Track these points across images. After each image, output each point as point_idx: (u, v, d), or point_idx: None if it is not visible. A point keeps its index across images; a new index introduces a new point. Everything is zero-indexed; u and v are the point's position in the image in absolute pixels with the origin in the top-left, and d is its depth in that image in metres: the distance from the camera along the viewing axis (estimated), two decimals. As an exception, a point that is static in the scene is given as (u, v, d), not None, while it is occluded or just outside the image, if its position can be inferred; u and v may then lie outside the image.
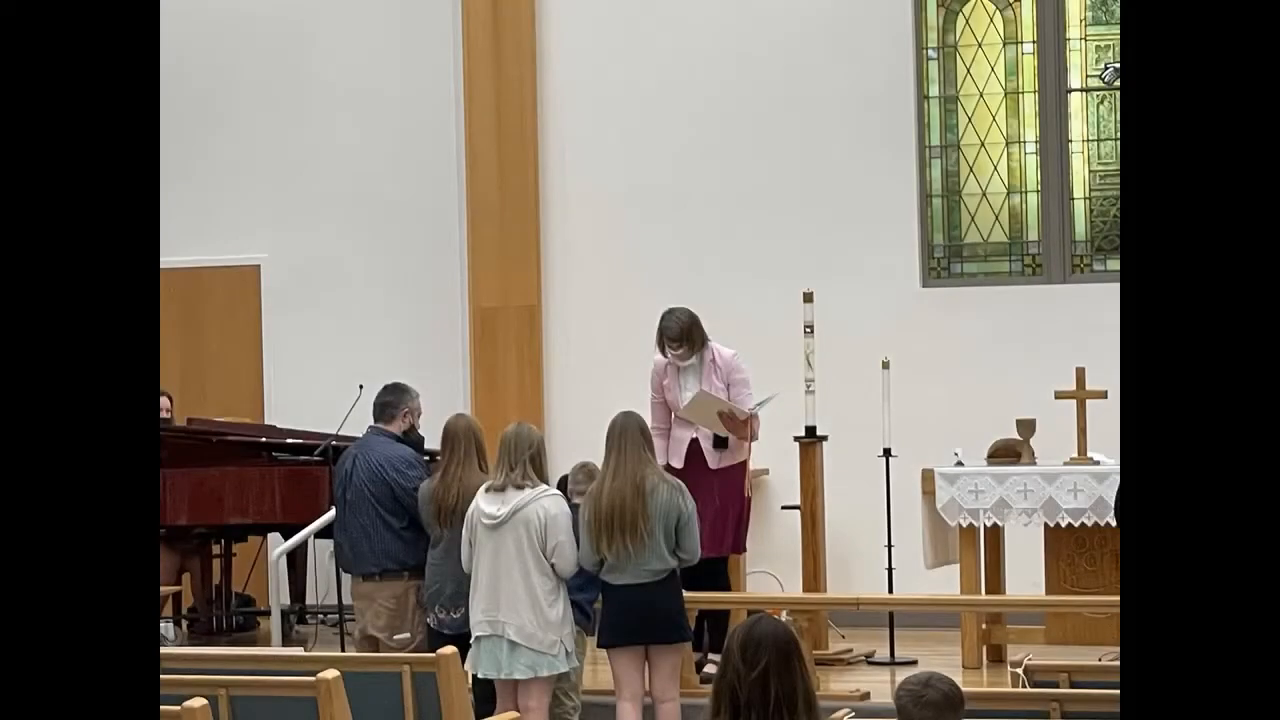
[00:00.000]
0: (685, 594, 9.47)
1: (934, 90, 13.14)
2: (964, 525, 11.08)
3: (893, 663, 11.18)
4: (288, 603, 13.03)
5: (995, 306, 12.86)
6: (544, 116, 13.55)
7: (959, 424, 11.91)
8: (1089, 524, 10.91)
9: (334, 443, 11.51)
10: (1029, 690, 7.41)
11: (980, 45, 13.09)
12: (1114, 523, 10.42)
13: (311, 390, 13.37)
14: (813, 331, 11.38)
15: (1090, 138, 12.94)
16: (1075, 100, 12.96)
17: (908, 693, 5.63)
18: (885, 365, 11.53)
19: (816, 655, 10.61)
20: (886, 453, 11.53)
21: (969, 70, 13.10)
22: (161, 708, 6.36)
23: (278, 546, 12.36)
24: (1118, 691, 5.58)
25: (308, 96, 14.10)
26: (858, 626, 11.74)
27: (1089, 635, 10.69)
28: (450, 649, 8.30)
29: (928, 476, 11.21)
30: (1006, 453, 11.25)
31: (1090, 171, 12.96)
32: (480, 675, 9.23)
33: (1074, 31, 12.95)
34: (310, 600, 13.42)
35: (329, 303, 14.02)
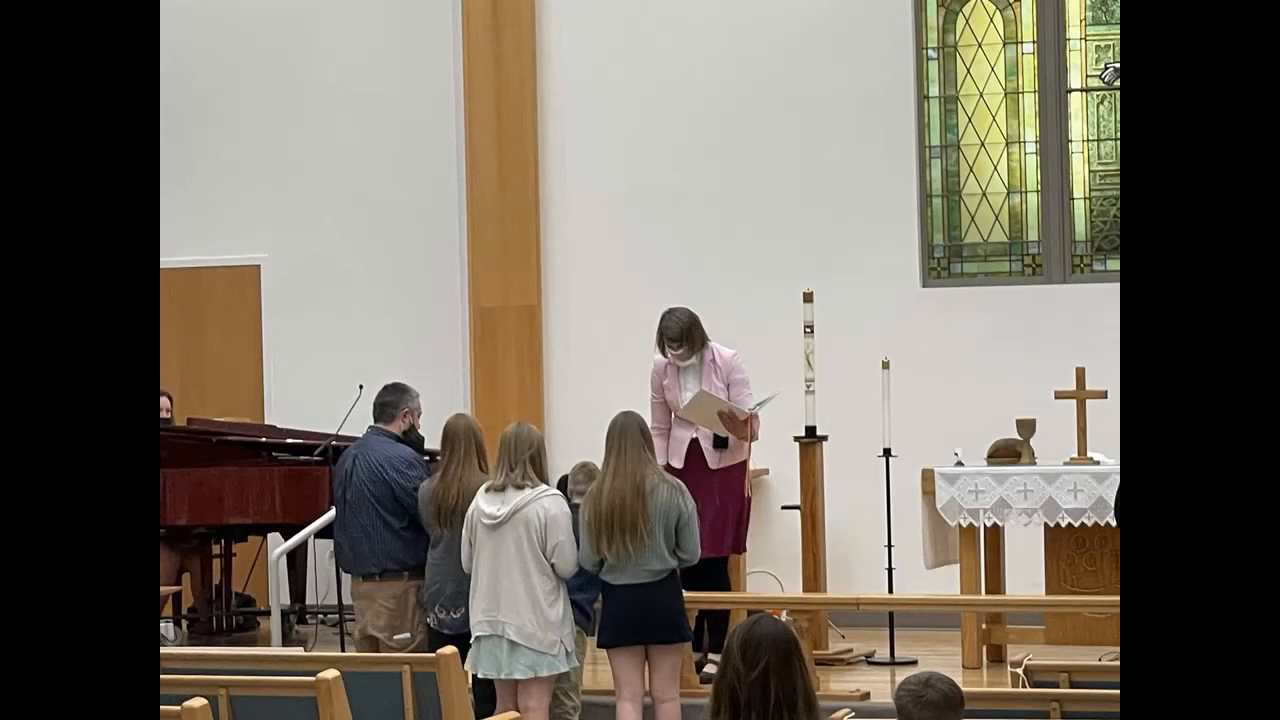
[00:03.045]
0: (685, 594, 9.47)
1: (934, 90, 13.13)
2: (964, 525, 11.08)
3: (893, 663, 11.18)
4: (288, 603, 13.03)
5: (995, 306, 12.85)
6: (544, 116, 13.55)
7: (959, 424, 11.91)
8: (1089, 524, 10.91)
9: (334, 443, 11.50)
10: (1029, 690, 7.41)
11: (980, 45, 13.08)
12: (1114, 523, 10.41)
13: (311, 390, 13.37)
14: (813, 331, 11.38)
15: (1090, 138, 12.93)
16: (1075, 100, 12.95)
17: (908, 693, 5.63)
18: (885, 365, 11.52)
19: (816, 655, 10.60)
20: (886, 453, 11.53)
21: (969, 70, 13.10)
22: (161, 708, 6.36)
23: (278, 546, 12.35)
24: (1118, 691, 5.58)
25: (308, 96, 14.09)
26: (858, 626, 11.74)
27: (1089, 635, 10.70)
28: (450, 649, 8.30)
29: (928, 476, 11.21)
30: (1006, 453, 11.25)
31: (1090, 171, 12.96)
32: (480, 675, 9.23)
33: (1074, 31, 12.95)
34: (310, 600, 13.41)
35: (329, 302, 14.02)
